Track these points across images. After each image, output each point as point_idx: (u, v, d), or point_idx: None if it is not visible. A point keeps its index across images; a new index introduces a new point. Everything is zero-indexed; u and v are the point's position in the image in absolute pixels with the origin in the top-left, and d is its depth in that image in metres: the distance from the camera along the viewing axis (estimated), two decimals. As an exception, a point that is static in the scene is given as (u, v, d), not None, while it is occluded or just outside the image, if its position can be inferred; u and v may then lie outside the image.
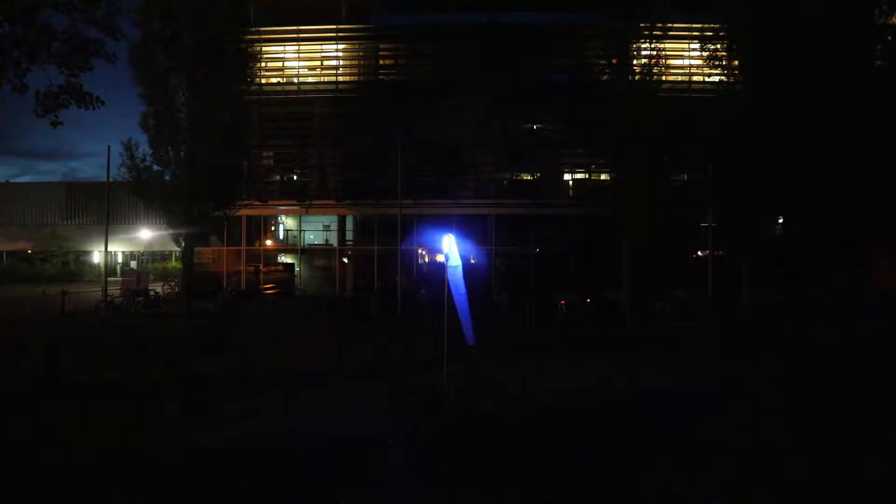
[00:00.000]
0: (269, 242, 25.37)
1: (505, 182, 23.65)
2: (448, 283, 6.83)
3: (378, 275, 23.08)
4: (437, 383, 7.40)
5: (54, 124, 7.16)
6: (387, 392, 8.10)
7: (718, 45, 18.34)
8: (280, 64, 23.99)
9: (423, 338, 12.23)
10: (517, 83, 22.05)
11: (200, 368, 10.15)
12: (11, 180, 49.02)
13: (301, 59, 23.96)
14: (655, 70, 19.02)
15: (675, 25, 20.29)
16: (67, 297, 18.51)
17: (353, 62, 24.07)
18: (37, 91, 6.91)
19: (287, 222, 26.79)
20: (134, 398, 7.77)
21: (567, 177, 24.27)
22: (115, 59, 7.24)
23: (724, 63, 18.37)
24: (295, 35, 23.57)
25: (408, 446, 5.89)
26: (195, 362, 10.76)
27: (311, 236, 26.11)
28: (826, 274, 17.27)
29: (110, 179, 19.87)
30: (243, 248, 23.79)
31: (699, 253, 22.00)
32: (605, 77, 19.56)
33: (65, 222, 36.72)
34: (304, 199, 23.22)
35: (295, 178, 24.54)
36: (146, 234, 31.53)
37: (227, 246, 23.86)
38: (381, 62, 23.87)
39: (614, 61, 19.19)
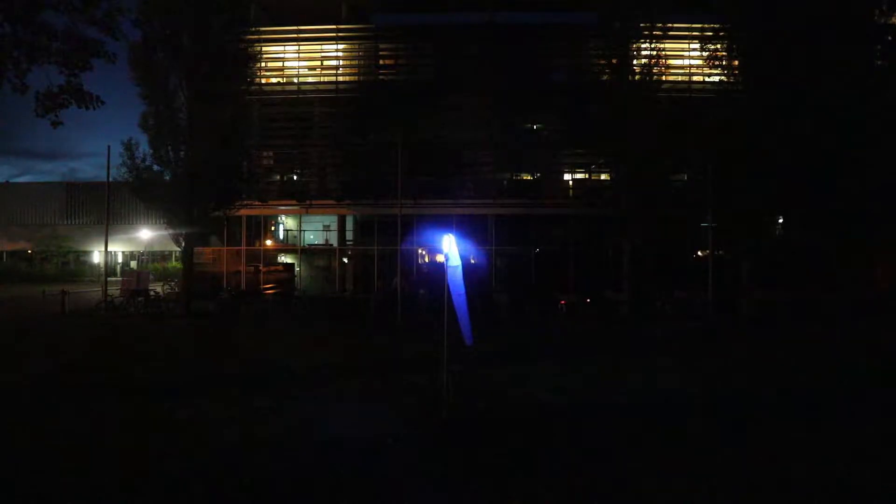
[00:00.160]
0: (269, 242, 25.38)
1: (505, 182, 23.65)
2: (448, 283, 6.83)
3: (378, 275, 23.08)
4: (437, 383, 7.40)
5: (54, 124, 7.17)
6: (387, 392, 8.11)
7: (718, 45, 18.35)
8: (280, 64, 23.99)
9: (423, 338, 12.24)
10: (517, 83, 22.05)
11: (200, 369, 10.15)
12: (11, 180, 49.01)
13: (301, 59, 23.96)
14: (655, 70, 19.04)
15: (675, 25, 20.31)
16: (67, 297, 18.53)
17: (353, 62, 24.08)
18: (37, 91, 6.92)
19: (287, 222, 26.80)
20: (134, 399, 7.77)
21: (567, 177, 24.28)
22: (115, 59, 7.26)
23: (724, 63, 18.39)
24: (295, 35, 23.57)
25: (408, 446, 5.89)
26: (194, 363, 10.76)
27: (311, 236, 26.11)
28: (827, 274, 17.29)
29: (110, 179, 19.89)
30: (243, 248, 23.79)
31: (699, 253, 22.00)
32: (605, 77, 19.58)
33: (65, 222, 36.75)
34: (304, 199, 23.22)
35: (295, 178, 24.54)
36: (146, 234, 31.56)
37: (227, 246, 23.86)
38: (381, 62, 23.87)
39: (614, 61, 19.21)
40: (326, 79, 23.91)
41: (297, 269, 24.20)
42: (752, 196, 17.33)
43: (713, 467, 5.36)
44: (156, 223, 27.14)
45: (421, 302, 18.31)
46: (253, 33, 19.78)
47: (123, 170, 17.68)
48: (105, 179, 20.89)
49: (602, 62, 19.89)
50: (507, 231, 22.99)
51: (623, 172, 19.23)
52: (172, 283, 24.87)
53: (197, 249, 21.09)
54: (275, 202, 23.64)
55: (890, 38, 16.53)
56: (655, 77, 19.10)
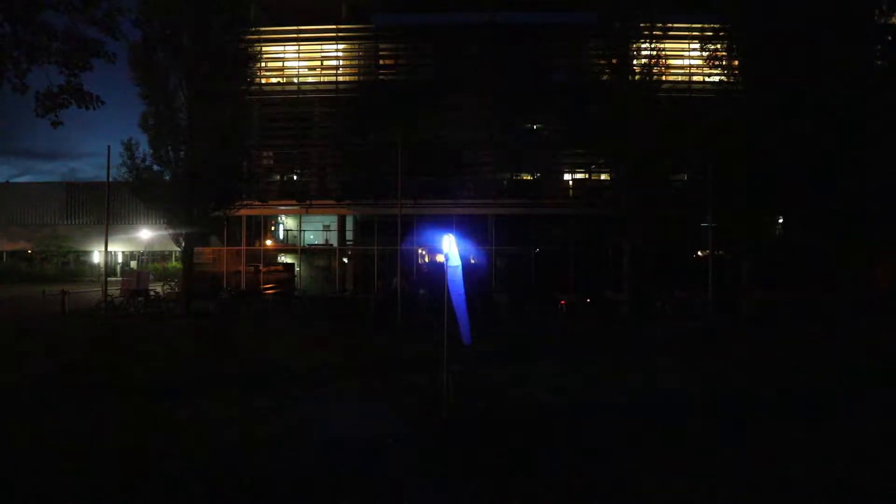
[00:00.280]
0: (269, 242, 25.38)
1: (505, 182, 23.65)
2: (448, 283, 6.83)
3: (378, 275, 23.08)
4: (437, 383, 7.40)
5: (54, 124, 7.17)
6: (387, 392, 8.11)
7: (718, 45, 18.35)
8: (280, 64, 23.99)
9: (422, 338, 12.25)
10: (517, 83, 22.05)
11: (200, 369, 10.15)
12: (11, 180, 49.02)
13: (301, 59, 23.96)
14: (655, 70, 19.04)
15: (675, 25, 20.31)
16: (67, 297, 18.53)
17: (353, 62, 24.08)
18: (37, 91, 6.92)
19: (287, 222, 26.80)
20: (133, 398, 7.77)
21: (567, 177, 24.28)
22: (115, 59, 7.25)
23: (724, 63, 18.39)
24: (295, 35, 23.58)
25: (408, 446, 5.89)
26: (194, 363, 10.76)
27: (311, 236, 26.12)
28: (826, 274, 17.30)
29: (110, 179, 19.89)
30: (243, 248, 23.79)
31: (699, 253, 22.01)
32: (605, 77, 19.58)
33: (65, 222, 36.75)
34: (304, 199, 23.23)
35: (295, 178, 24.54)
36: (146, 234, 31.56)
37: (227, 246, 23.86)
38: (381, 62, 23.87)
39: (614, 61, 19.21)
40: (326, 79, 23.91)
41: (297, 269, 24.20)
42: (752, 196, 17.34)
43: (713, 467, 5.36)
44: (156, 223, 27.14)
45: (421, 302, 18.32)
46: (253, 33, 19.77)
47: (123, 170, 17.69)
48: (105, 179, 20.89)
49: (602, 62, 19.89)
50: (507, 231, 22.99)
51: (623, 172, 19.23)
52: (172, 283, 24.88)
53: (197, 249, 21.09)
54: (275, 202, 23.64)
55: (890, 38, 16.53)
56: (655, 77, 19.10)
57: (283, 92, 23.60)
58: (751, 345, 12.85)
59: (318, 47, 23.95)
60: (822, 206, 16.44)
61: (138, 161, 17.53)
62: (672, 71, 21.38)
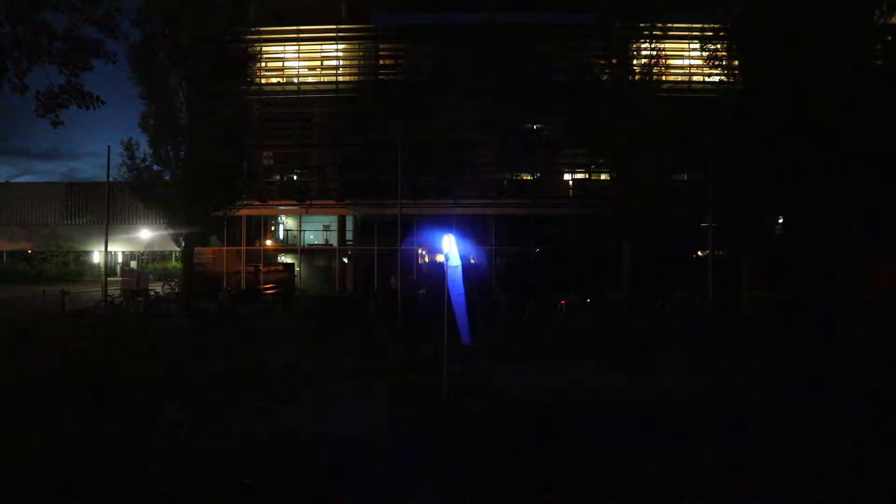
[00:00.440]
0: (269, 242, 25.38)
1: (505, 182, 23.65)
2: (448, 283, 6.84)
3: (378, 275, 23.09)
4: (437, 383, 7.41)
5: (54, 124, 7.16)
6: (387, 392, 8.11)
7: (718, 45, 18.35)
8: (280, 64, 23.99)
9: (422, 338, 12.25)
10: (517, 83, 22.05)
11: (199, 369, 10.15)
12: (11, 180, 49.02)
13: (301, 59, 23.96)
14: (655, 70, 19.05)
15: (675, 25, 20.34)
16: (67, 297, 18.53)
17: (353, 62, 24.08)
18: (37, 91, 6.91)
19: (287, 222, 26.80)
20: (133, 398, 7.78)
21: (567, 177, 24.29)
22: (115, 59, 7.24)
23: (724, 63, 18.39)
24: (295, 35, 23.58)
25: (408, 446, 5.89)
26: (194, 363, 10.75)
27: (311, 236, 26.12)
28: (827, 274, 17.29)
29: (110, 179, 19.89)
30: (243, 248, 23.80)
31: (699, 253, 22.01)
32: (605, 77, 19.58)
33: (65, 222, 36.71)
34: (304, 199, 23.23)
35: (295, 178, 24.54)
36: (146, 234, 31.55)
37: (227, 246, 23.87)
38: (381, 62, 23.87)
39: (614, 61, 19.21)
40: (326, 79, 23.91)
41: (297, 269, 24.21)
42: (752, 196, 17.34)
43: (713, 467, 5.36)
44: (156, 223, 27.12)
45: (421, 302, 18.32)
46: (253, 33, 19.78)
47: (123, 170, 17.69)
48: (105, 179, 20.89)
49: (602, 62, 19.89)
50: (507, 231, 22.99)
51: (623, 172, 19.23)
52: (172, 283, 24.88)
53: (197, 249, 21.08)
54: (275, 202, 23.65)
55: (890, 38, 16.52)
56: (655, 77, 19.11)
57: (283, 92, 23.61)
58: (750, 345, 12.86)
59: (318, 47, 23.96)
60: (822, 205, 16.43)
61: (138, 161, 17.53)
62: (672, 71, 21.38)
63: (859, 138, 15.26)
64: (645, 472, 5.22)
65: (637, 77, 19.03)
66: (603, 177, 23.33)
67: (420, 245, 23.01)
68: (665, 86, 19.64)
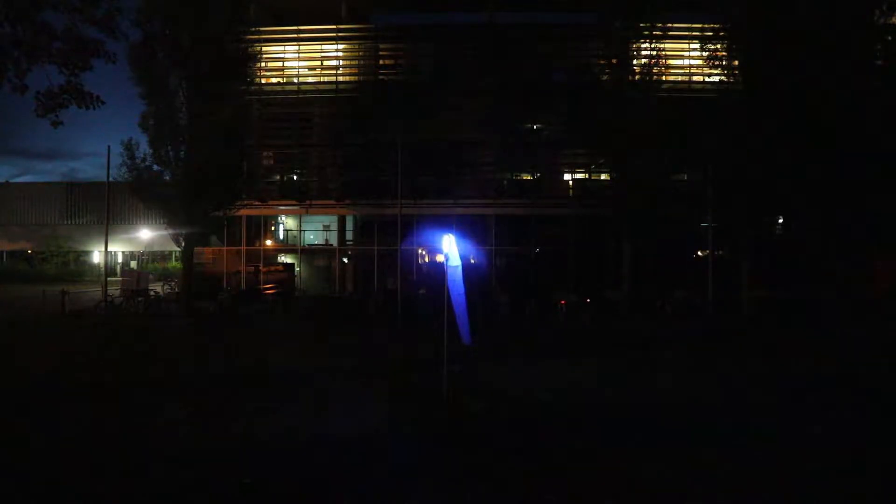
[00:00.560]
0: (269, 242, 25.38)
1: (505, 182, 23.65)
2: (448, 283, 6.84)
3: (378, 275, 23.09)
4: (437, 383, 7.41)
5: (55, 124, 7.16)
6: (387, 392, 8.11)
7: (718, 45, 18.35)
8: (280, 64, 23.99)
9: (422, 338, 12.25)
10: (517, 83, 22.05)
11: (199, 368, 10.15)
12: (11, 180, 49.00)
13: (301, 59, 23.96)
14: (655, 70, 19.05)
15: (675, 25, 20.33)
16: (67, 297, 18.52)
17: (353, 62, 24.08)
18: (37, 91, 6.91)
19: (287, 222, 26.80)
20: (133, 398, 7.78)
21: (567, 177, 24.29)
22: (115, 59, 7.24)
23: (724, 63, 18.39)
24: (295, 35, 23.57)
25: (408, 446, 5.89)
26: (194, 363, 10.75)
27: (311, 236, 26.12)
28: (827, 273, 17.29)
29: (110, 179, 19.89)
30: (243, 248, 23.79)
31: (699, 253, 22.01)
32: (605, 77, 19.58)
33: (65, 222, 36.71)
34: (304, 199, 23.22)
35: (295, 178, 24.54)
36: (146, 234, 31.55)
37: (227, 246, 23.86)
38: (381, 62, 23.87)
39: (614, 61, 19.21)
40: (326, 79, 23.90)
41: (297, 269, 24.21)
42: (752, 196, 17.34)
43: (713, 467, 5.36)
44: (156, 223, 27.11)
45: (421, 302, 18.32)
46: (253, 33, 19.77)
47: (123, 170, 17.69)
48: (105, 179, 20.88)
49: (602, 62, 19.89)
50: (507, 231, 22.99)
51: (623, 172, 19.23)
52: (172, 283, 24.87)
53: (197, 249, 21.08)
54: (275, 202, 23.64)
55: (890, 38, 16.52)
56: (655, 77, 19.11)
57: (283, 92, 23.60)
58: (750, 345, 12.86)
59: (318, 47, 23.95)
60: (821, 205, 16.44)
61: (138, 161, 17.53)
62: (672, 71, 21.38)
63: (859, 138, 15.25)
64: (645, 472, 5.22)
65: (637, 77, 19.03)
66: (603, 177, 23.32)
67: (420, 245, 23.01)
68: (665, 86, 19.64)
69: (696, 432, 6.44)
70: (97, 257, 37.26)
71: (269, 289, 21.81)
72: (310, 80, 23.91)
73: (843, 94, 15.17)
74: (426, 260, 23.86)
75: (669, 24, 19.64)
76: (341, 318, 17.07)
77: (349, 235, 25.23)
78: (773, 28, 16.13)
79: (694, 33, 20.97)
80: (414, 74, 23.11)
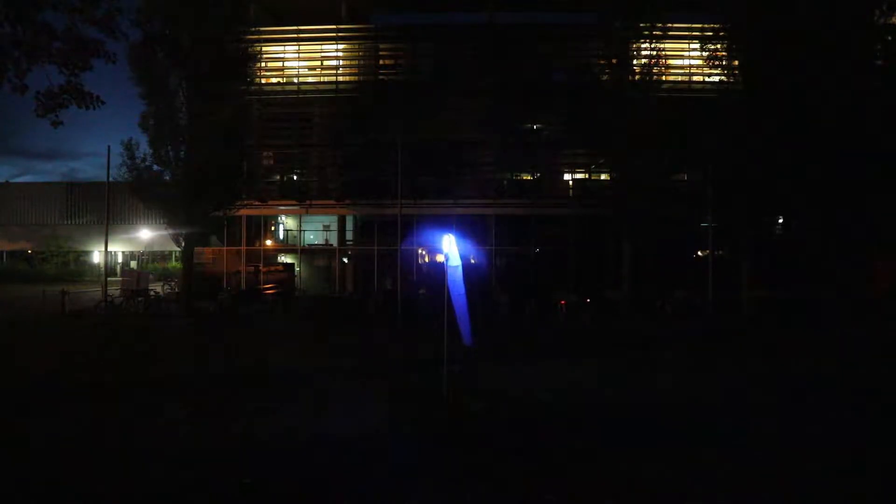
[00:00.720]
0: (269, 242, 25.38)
1: (505, 182, 23.65)
2: (448, 284, 6.84)
3: (378, 275, 23.09)
4: (437, 383, 7.40)
5: (55, 124, 7.16)
6: (387, 392, 8.10)
7: (718, 45, 18.36)
8: (280, 64, 23.99)
9: (422, 338, 12.24)
10: (517, 83, 22.05)
11: (199, 368, 10.15)
12: (11, 180, 48.99)
13: (301, 59, 23.96)
14: (655, 70, 19.05)
15: (675, 25, 20.33)
16: (67, 297, 18.52)
17: (353, 62, 24.07)
18: (37, 91, 6.90)
19: (287, 222, 26.80)
20: (133, 398, 7.78)
21: (567, 177, 24.28)
22: (115, 59, 7.23)
23: (724, 63, 18.39)
24: (295, 35, 23.57)
25: (408, 446, 5.89)
26: (194, 363, 10.75)
27: (311, 236, 26.12)
28: (827, 274, 17.30)
29: (110, 179, 19.88)
30: (243, 248, 23.79)
31: (699, 253, 22.01)
32: (605, 77, 19.58)
33: (65, 222, 36.71)
34: (304, 199, 23.22)
35: (295, 178, 24.54)
36: (146, 234, 31.55)
37: (227, 246, 23.86)
38: (381, 62, 23.87)
39: (614, 61, 19.21)
40: (326, 79, 23.90)
41: (297, 269, 24.21)
42: (751, 196, 17.33)
43: (713, 467, 5.36)
44: (156, 223, 27.11)
45: (421, 302, 18.32)
46: (253, 33, 19.76)
47: (123, 170, 17.68)
48: (105, 179, 20.88)
49: (602, 62, 19.89)
50: (507, 231, 22.99)
51: (623, 172, 19.23)
52: (172, 283, 24.86)
53: (197, 249, 21.08)
54: (275, 202, 23.64)
55: (890, 38, 16.52)
56: (655, 77, 19.10)
57: (283, 92, 23.60)
58: (750, 345, 12.86)
59: (318, 47, 23.95)
60: (821, 206, 16.44)
61: (138, 161, 17.52)
62: (672, 71, 21.38)
63: (859, 138, 15.26)
64: (645, 472, 5.22)
65: (637, 77, 19.03)
66: (603, 177, 23.33)
67: (420, 245, 23.01)
68: (665, 86, 19.63)
69: (697, 432, 6.44)
70: (97, 257, 37.26)
71: (269, 289, 21.81)
72: (310, 80, 23.91)
73: (843, 94, 15.17)
74: (426, 260, 23.86)
75: (669, 24, 19.63)
76: (341, 318, 17.07)
77: (349, 235, 25.23)
78: (773, 28, 16.13)
79: (694, 33, 20.97)
80: (414, 74, 23.10)
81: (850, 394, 8.24)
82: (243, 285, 22.84)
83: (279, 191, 23.99)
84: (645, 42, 19.50)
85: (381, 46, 23.79)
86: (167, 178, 17.82)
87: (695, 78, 22.33)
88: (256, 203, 22.50)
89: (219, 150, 17.23)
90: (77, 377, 9.16)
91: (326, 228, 25.54)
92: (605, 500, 4.68)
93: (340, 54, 24.02)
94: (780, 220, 21.81)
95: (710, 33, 18.64)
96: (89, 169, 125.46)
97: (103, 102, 7.15)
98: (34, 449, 5.84)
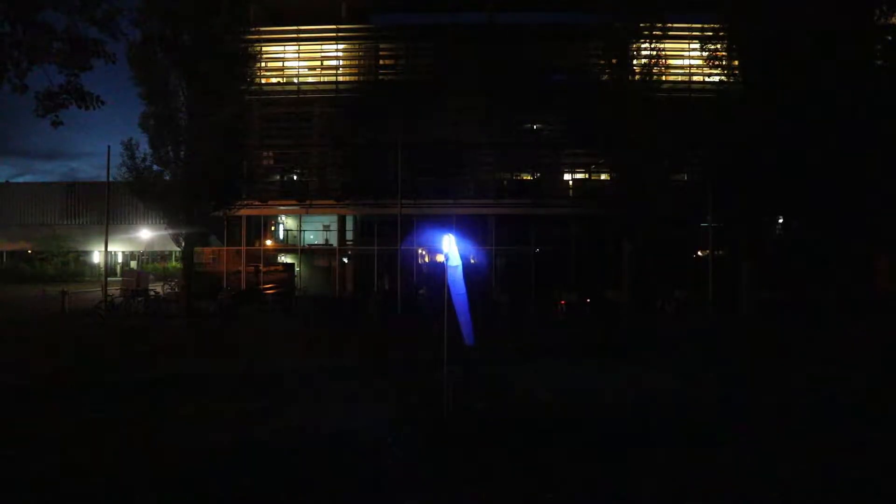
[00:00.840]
0: (269, 242, 25.38)
1: (505, 182, 23.66)
2: (448, 284, 6.83)
3: (378, 275, 23.09)
4: (437, 383, 7.40)
5: (55, 124, 7.17)
6: (387, 392, 8.10)
7: (718, 45, 18.36)
8: (280, 64, 23.99)
9: (423, 338, 12.24)
10: (517, 83, 22.05)
11: (199, 368, 10.14)
12: (11, 180, 49.00)
13: (301, 59, 23.96)
14: (655, 70, 19.05)
15: (675, 25, 20.34)
16: (67, 298, 18.52)
17: (353, 62, 24.07)
18: (37, 91, 6.91)
19: (287, 222, 26.79)
20: (133, 398, 7.78)
21: (567, 177, 24.29)
22: (115, 59, 7.24)
23: (724, 63, 18.40)
24: (295, 35, 23.57)
25: (408, 446, 5.89)
26: (194, 363, 10.75)
27: (311, 236, 26.11)
28: (827, 274, 17.31)
29: (110, 179, 19.88)
30: (243, 248, 23.79)
31: (699, 253, 22.02)
32: (605, 77, 19.59)
33: (65, 222, 36.72)
34: (304, 199, 23.22)
35: (295, 178, 24.54)
36: (146, 234, 31.56)
37: (227, 246, 23.86)
38: (381, 62, 23.87)
39: (614, 61, 19.22)
40: (326, 79, 23.90)
41: (297, 269, 24.20)
42: (751, 196, 17.34)
43: (714, 467, 5.36)
44: (156, 223, 27.12)
45: (421, 302, 18.32)
46: (253, 33, 19.76)
47: (123, 170, 17.65)
48: (105, 179, 20.87)
49: (602, 62, 19.89)
50: (507, 231, 22.99)
51: (623, 172, 19.23)
52: (172, 283, 24.86)
53: (197, 249, 21.07)
54: (275, 202, 23.64)
55: (890, 38, 16.53)
56: (655, 77, 19.11)
57: (283, 92, 23.60)
58: (750, 345, 12.85)
59: (318, 47, 23.95)
60: (822, 206, 16.45)
61: (138, 161, 17.50)
62: (672, 71, 21.38)
63: (859, 138, 15.26)
64: (645, 472, 5.22)
65: (637, 77, 19.03)
66: (603, 177, 23.33)
67: (420, 245, 23.01)
68: (665, 86, 19.63)
69: (697, 432, 6.44)
70: (97, 257, 37.27)
71: (269, 289, 21.81)
72: (310, 80, 23.91)
73: (843, 94, 15.18)
74: (426, 260, 23.86)
75: (669, 24, 19.64)
76: (341, 318, 17.07)
77: (349, 235, 25.23)
78: (773, 28, 16.14)
79: (694, 33, 20.98)
80: (414, 74, 23.10)
81: (851, 393, 8.22)
82: (243, 285, 22.83)
83: (279, 191, 23.99)
84: (645, 42, 19.50)
85: (381, 46, 23.79)
86: (167, 178, 17.80)
87: (695, 78, 22.34)
88: (256, 203, 22.49)
89: (219, 150, 17.21)
90: (77, 377, 9.16)
91: (326, 228, 25.53)
92: (606, 501, 4.68)
93: (340, 54, 24.02)
94: (780, 220, 21.82)
95: (710, 33, 18.65)
96: (89, 169, 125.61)
97: (103, 102, 7.15)
98: (34, 448, 5.82)
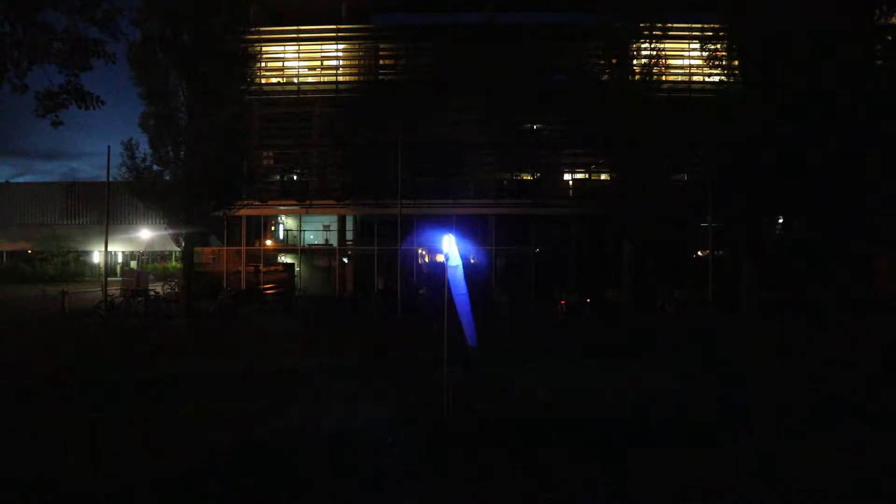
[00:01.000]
0: (269, 242, 25.37)
1: (505, 182, 23.65)
2: (448, 284, 6.83)
3: (378, 275, 23.08)
4: (438, 383, 7.40)
5: (55, 124, 7.17)
6: (387, 392, 8.10)
7: (718, 45, 18.36)
8: (280, 64, 23.98)
9: (423, 338, 12.24)
10: (517, 83, 22.05)
11: (199, 369, 10.14)
12: (11, 180, 49.00)
13: (301, 59, 23.95)
14: (655, 70, 19.05)
15: (675, 25, 20.33)
16: (67, 298, 18.52)
17: (353, 62, 24.07)
18: (37, 91, 6.91)
19: (287, 222, 26.78)
20: (133, 398, 7.78)
21: (567, 177, 24.28)
22: (115, 59, 7.24)
23: (724, 63, 18.39)
24: (295, 35, 23.57)
25: (408, 446, 5.89)
26: (194, 363, 10.75)
27: (311, 236, 26.11)
28: (827, 274, 17.31)
29: (110, 179, 19.88)
30: (243, 248, 23.79)
31: (699, 253, 22.02)
32: (605, 77, 19.59)
33: (65, 222, 36.72)
34: (304, 199, 23.22)
35: (295, 178, 24.54)
36: (146, 234, 31.56)
37: (227, 246, 23.86)
38: (381, 62, 23.86)
39: (614, 61, 19.22)
40: (326, 79, 23.90)
41: (297, 269, 24.20)
42: (751, 196, 17.33)
43: (714, 467, 5.36)
44: (156, 223, 27.13)
45: (421, 302, 18.32)
46: (253, 33, 19.75)
47: (123, 170, 17.65)
48: (105, 179, 20.87)
49: (602, 62, 19.89)
50: (507, 231, 22.98)
51: (623, 172, 19.22)
52: (172, 283, 24.85)
53: (197, 249, 21.06)
54: (275, 202, 23.64)
55: (890, 38, 16.53)
56: (655, 77, 19.11)
57: (283, 92, 23.60)
58: (750, 345, 12.85)
59: (318, 47, 23.95)
60: (822, 206, 16.45)
61: (138, 161, 17.49)
62: (672, 71, 21.38)
63: (859, 138, 15.26)
64: (645, 472, 5.22)
65: (637, 77, 19.03)
66: (603, 177, 23.32)
67: (420, 245, 23.01)
68: (665, 86, 19.63)
69: (697, 432, 6.44)
70: (97, 257, 37.27)
71: (269, 289, 21.80)
72: (310, 80, 23.91)
73: (843, 94, 15.17)
74: (426, 260, 23.85)
75: (669, 24, 19.64)
76: (341, 318, 17.07)
77: (349, 235, 25.22)
78: (773, 28, 16.14)
79: (694, 33, 20.97)
80: (414, 74, 23.10)
81: (851, 393, 8.23)
82: (243, 285, 22.82)
83: (279, 191, 23.98)
84: (645, 42, 19.50)
85: (381, 46, 23.78)
86: (167, 178, 17.79)
87: (695, 78, 22.33)
88: (256, 203, 22.48)
89: (219, 150, 17.21)
90: (76, 376, 9.16)
91: (326, 228, 25.53)
92: (606, 501, 4.68)
93: (340, 54, 24.01)
94: (780, 220, 21.82)
95: (710, 33, 18.64)
96: (89, 169, 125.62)
97: (103, 102, 7.16)
98: (33, 448, 5.83)
